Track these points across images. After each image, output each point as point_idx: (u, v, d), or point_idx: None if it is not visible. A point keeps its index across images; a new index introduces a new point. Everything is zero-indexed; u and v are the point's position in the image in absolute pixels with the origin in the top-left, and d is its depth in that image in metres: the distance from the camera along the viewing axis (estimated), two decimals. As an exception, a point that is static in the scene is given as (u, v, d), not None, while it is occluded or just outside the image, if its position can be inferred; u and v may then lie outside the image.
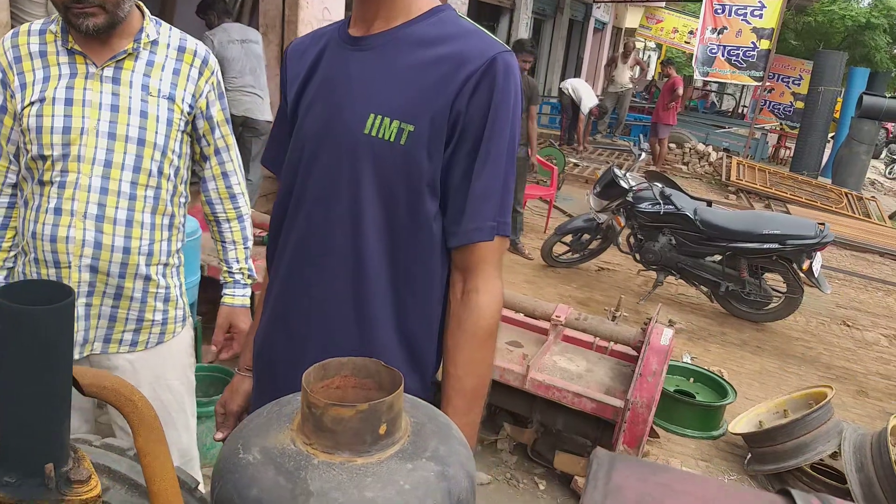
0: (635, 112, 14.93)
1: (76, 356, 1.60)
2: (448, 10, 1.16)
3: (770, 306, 5.18)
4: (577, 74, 15.68)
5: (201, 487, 1.39)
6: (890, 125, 17.27)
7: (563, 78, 14.55)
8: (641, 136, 9.21)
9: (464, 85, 1.07)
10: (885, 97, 12.17)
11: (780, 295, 5.15)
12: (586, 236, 5.80)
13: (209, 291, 3.04)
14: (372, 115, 1.09)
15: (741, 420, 3.42)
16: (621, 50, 13.66)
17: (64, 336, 0.54)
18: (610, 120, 13.77)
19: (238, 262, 1.84)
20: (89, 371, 0.83)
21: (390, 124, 1.08)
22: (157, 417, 1.10)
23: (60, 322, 0.53)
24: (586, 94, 11.34)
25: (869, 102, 11.20)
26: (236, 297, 1.84)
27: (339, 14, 6.31)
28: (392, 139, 1.08)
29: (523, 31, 12.48)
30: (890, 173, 15.83)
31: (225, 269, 1.85)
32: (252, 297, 1.93)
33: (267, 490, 0.34)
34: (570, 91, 11.40)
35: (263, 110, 5.12)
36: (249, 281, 1.87)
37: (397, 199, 1.11)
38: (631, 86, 13.40)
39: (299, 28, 5.88)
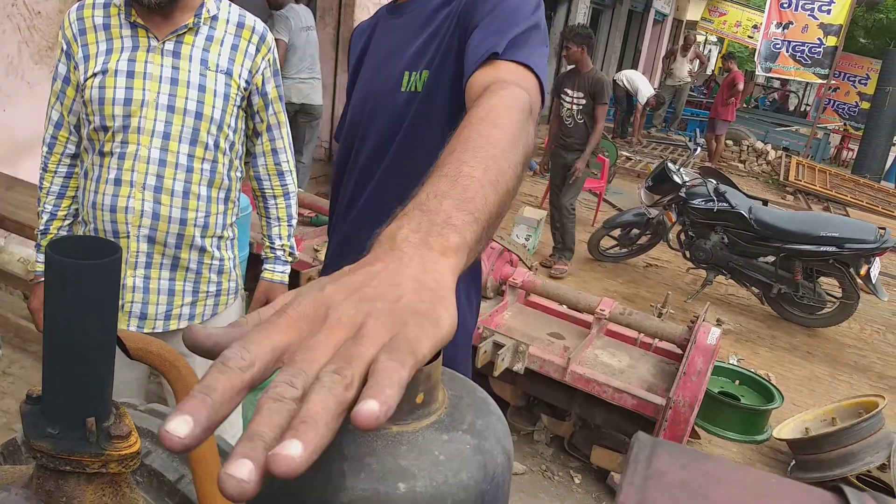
0: (692, 107, 14.60)
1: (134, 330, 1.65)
2: None
3: (823, 311, 5.03)
4: (634, 67, 15.40)
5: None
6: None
7: (619, 70, 14.30)
8: (697, 130, 9.00)
9: (458, 5, 1.11)
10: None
11: (835, 300, 4.99)
12: (635, 231, 5.70)
13: (255, 268, 3.09)
14: (406, 73, 1.16)
15: (787, 426, 3.33)
16: (681, 42, 13.34)
17: (109, 291, 0.55)
18: (666, 114, 13.50)
19: (281, 238, 1.86)
20: (136, 335, 0.85)
21: (420, 76, 1.14)
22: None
23: (106, 277, 0.54)
24: (643, 85, 11.14)
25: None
26: (276, 272, 1.86)
27: (395, -3, 6.31)
28: (421, 89, 1.15)
29: (581, 20, 12.30)
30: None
31: (267, 244, 1.87)
32: (291, 276, 1.95)
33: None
34: (626, 83, 11.21)
35: (319, 95, 5.17)
36: (290, 259, 1.88)
37: (440, 147, 1.13)
38: (689, 80, 13.10)
39: (356, 12, 5.91)
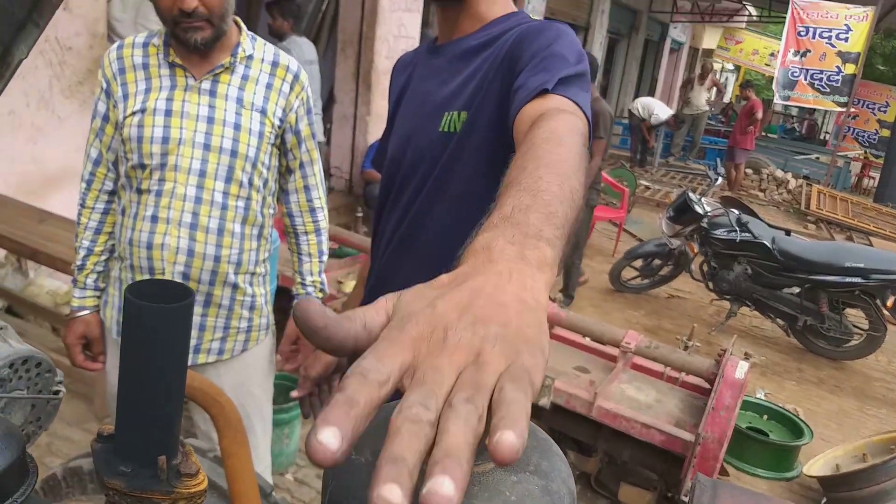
0: (711, 135, 14.61)
1: None
2: (520, 13, 1.24)
3: (850, 343, 4.95)
4: (651, 95, 15.47)
5: (274, 493, 1.42)
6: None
7: (636, 98, 14.38)
8: (718, 160, 8.98)
9: (501, 49, 1.13)
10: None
11: (862, 332, 4.92)
12: (657, 261, 5.67)
13: (280, 300, 3.12)
14: (446, 114, 1.18)
15: (817, 462, 3.27)
16: (698, 71, 13.41)
17: (182, 334, 0.57)
18: (684, 143, 13.52)
19: (312, 274, 1.87)
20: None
21: (458, 117, 1.16)
22: (241, 420, 1.13)
23: (180, 320, 0.56)
24: (659, 108, 11.19)
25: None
26: None
27: (414, 29, 6.40)
28: (459, 128, 1.16)
29: (597, 51, 12.40)
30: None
31: (298, 280, 1.88)
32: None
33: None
34: (640, 110, 11.25)
35: (320, 130, 5.17)
36: (321, 294, 1.89)
37: (473, 188, 1.17)
38: (707, 108, 13.13)
39: (376, 44, 6.00)
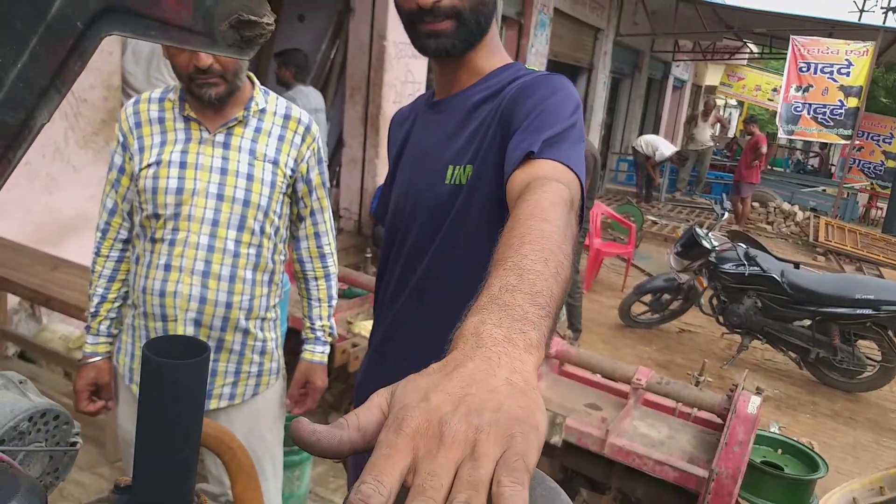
0: (716, 170, 14.68)
1: None
2: (516, 65, 1.27)
3: (864, 375, 4.91)
4: (655, 132, 15.60)
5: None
6: None
7: (640, 136, 14.51)
8: (724, 194, 9.03)
9: (500, 104, 1.15)
10: None
11: (875, 363, 4.89)
12: (666, 296, 5.67)
13: (291, 343, 3.14)
14: (451, 167, 1.20)
15: (833, 496, 3.21)
16: (701, 108, 13.52)
17: (199, 387, 0.59)
18: (690, 178, 13.58)
19: (321, 319, 1.90)
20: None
21: (464, 170, 1.18)
22: (253, 466, 1.15)
23: (197, 375, 0.58)
24: (663, 145, 11.30)
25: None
26: (316, 353, 1.90)
27: (421, 75, 6.53)
28: (464, 182, 1.19)
29: (601, 91, 12.56)
30: None
31: (308, 325, 1.91)
32: (331, 354, 1.98)
33: None
34: (643, 147, 11.34)
35: (325, 178, 5.18)
36: (330, 339, 1.92)
37: (483, 236, 1.17)
38: (712, 143, 13.22)
39: (384, 90, 6.12)
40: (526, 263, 0.62)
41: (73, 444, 0.79)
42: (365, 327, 3.63)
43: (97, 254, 1.76)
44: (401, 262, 1.31)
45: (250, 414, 1.77)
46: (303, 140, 1.72)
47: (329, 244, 1.87)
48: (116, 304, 1.78)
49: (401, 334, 1.33)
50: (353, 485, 0.47)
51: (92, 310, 1.77)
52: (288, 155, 1.70)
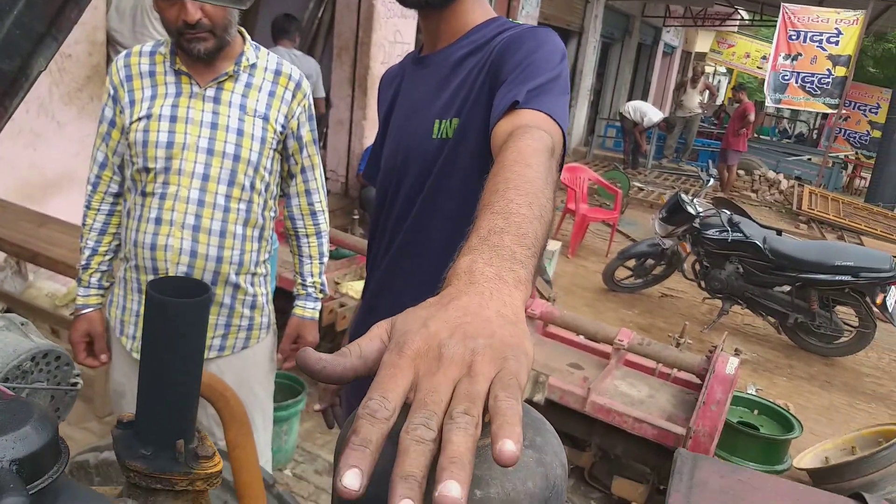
0: (704, 137, 14.70)
1: None
2: (500, 19, 1.28)
3: (840, 340, 5.03)
4: (644, 98, 15.57)
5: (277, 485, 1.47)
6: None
7: (629, 101, 14.49)
8: (710, 161, 9.08)
9: (487, 58, 1.17)
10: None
11: (852, 329, 5.00)
12: (650, 261, 5.74)
13: (280, 301, 3.17)
14: (437, 121, 1.22)
15: (807, 455, 3.33)
16: (690, 74, 13.49)
17: (201, 326, 0.62)
18: (677, 145, 13.60)
19: (312, 275, 1.92)
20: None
21: (450, 123, 1.20)
22: (246, 414, 1.18)
23: (199, 313, 0.61)
24: (651, 111, 11.27)
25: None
26: (307, 309, 1.93)
27: (409, 35, 6.46)
28: (451, 136, 1.20)
29: (591, 55, 12.49)
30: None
31: (299, 281, 1.93)
32: (321, 311, 2.02)
33: (381, 464, 0.40)
34: (631, 113, 11.32)
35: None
36: (321, 295, 1.95)
37: (470, 189, 1.19)
38: (700, 111, 13.22)
39: (372, 50, 6.05)
40: (512, 207, 0.65)
41: (74, 384, 0.81)
42: (352, 287, 3.66)
43: (88, 207, 1.77)
44: (392, 219, 1.33)
45: (240, 366, 1.80)
46: (293, 96, 1.73)
47: (320, 202, 1.89)
48: (107, 258, 1.80)
49: (390, 288, 1.36)
50: (345, 422, 0.50)
51: (83, 262, 1.78)
52: (278, 111, 1.70)
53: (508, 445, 0.39)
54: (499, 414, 0.41)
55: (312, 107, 1.80)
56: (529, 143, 0.87)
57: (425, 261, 1.29)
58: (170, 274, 1.65)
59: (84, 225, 1.78)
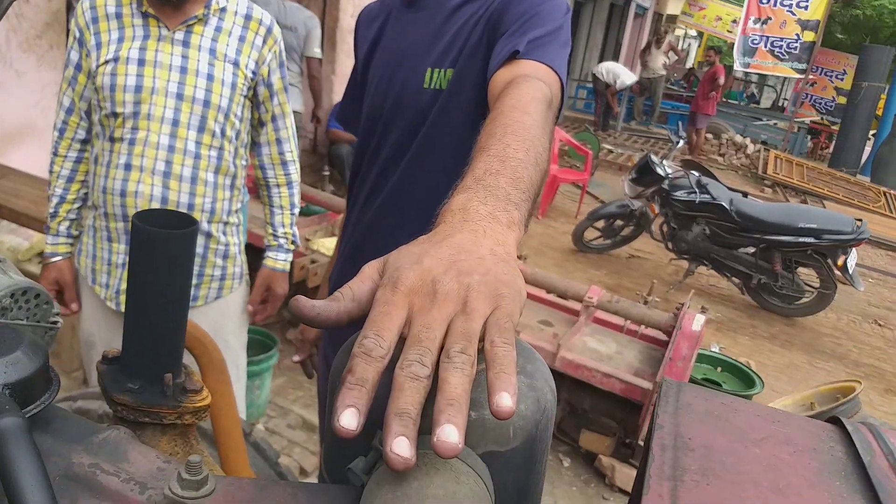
0: (673, 100, 14.76)
1: None
2: None
3: (802, 301, 5.17)
4: (615, 59, 15.53)
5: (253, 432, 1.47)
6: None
7: (601, 63, 14.43)
8: (680, 123, 9.14)
9: (487, 7, 1.14)
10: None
11: (813, 290, 5.14)
12: (619, 222, 5.80)
13: (250, 257, 3.14)
14: (430, 70, 1.18)
15: (767, 410, 3.44)
16: (654, 35, 13.47)
17: (188, 258, 0.61)
18: (645, 107, 13.64)
19: (283, 226, 1.90)
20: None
21: (444, 74, 1.17)
22: (223, 360, 1.17)
23: (186, 245, 0.60)
24: (624, 73, 11.26)
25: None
26: (278, 261, 1.91)
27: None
28: (445, 86, 1.17)
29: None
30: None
31: (270, 232, 1.91)
32: (292, 266, 2.00)
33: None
34: (604, 74, 11.29)
35: (298, 102, 4.80)
36: (292, 247, 1.93)
37: (462, 141, 1.16)
38: (664, 72, 13.21)
39: (341, 2, 5.92)
40: (509, 152, 0.65)
41: (55, 322, 0.80)
42: (323, 244, 3.64)
43: (55, 154, 1.72)
44: (377, 166, 1.30)
45: (214, 316, 1.79)
46: (264, 42, 1.69)
47: (291, 151, 1.86)
48: (76, 206, 1.76)
49: (376, 237, 1.34)
50: (333, 363, 0.50)
51: (51, 210, 1.74)
52: (249, 56, 1.66)
53: (505, 400, 0.39)
54: (495, 362, 0.41)
55: (284, 53, 1.76)
56: (528, 91, 0.86)
57: (413, 213, 1.26)
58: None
59: (51, 172, 1.73)
